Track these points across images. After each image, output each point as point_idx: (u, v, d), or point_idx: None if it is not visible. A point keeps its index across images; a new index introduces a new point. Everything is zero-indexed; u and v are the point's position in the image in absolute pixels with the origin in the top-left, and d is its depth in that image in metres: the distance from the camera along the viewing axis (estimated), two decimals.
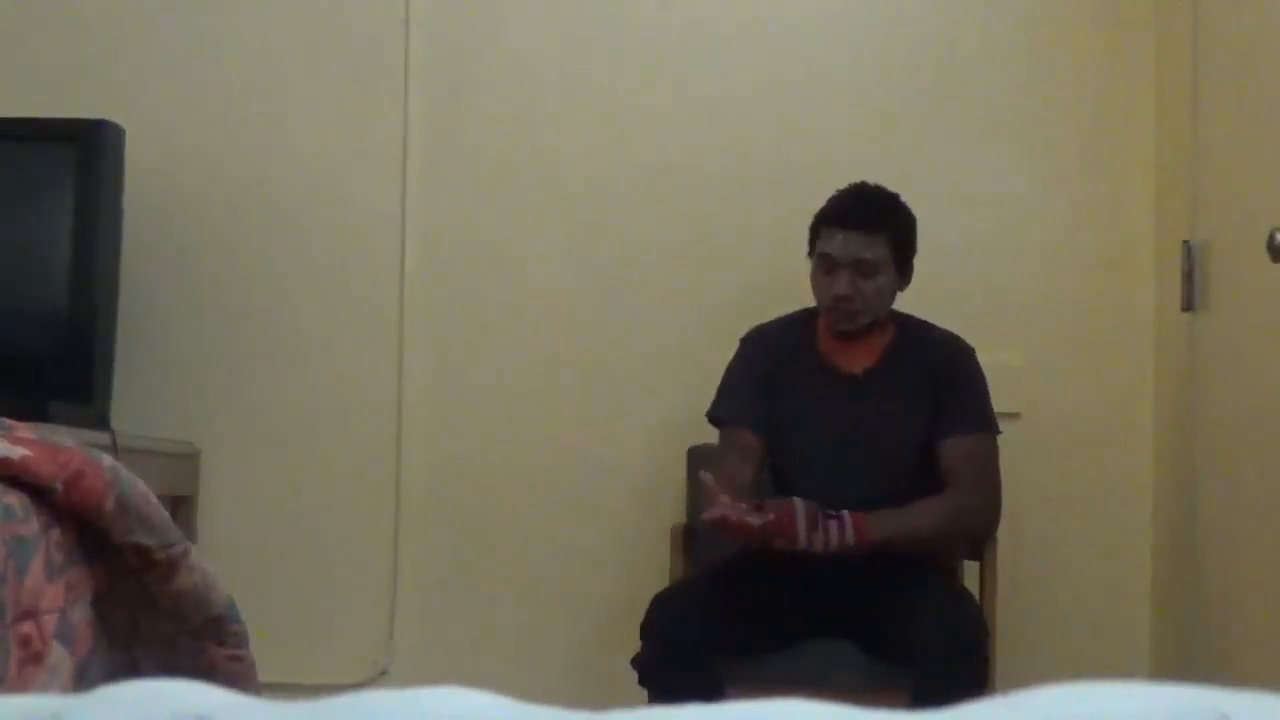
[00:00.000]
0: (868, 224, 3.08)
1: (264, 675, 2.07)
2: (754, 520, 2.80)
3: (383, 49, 3.76)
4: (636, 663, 2.87)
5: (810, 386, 3.12)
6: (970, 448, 3.06)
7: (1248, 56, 3.00)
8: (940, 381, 3.08)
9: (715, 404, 3.19)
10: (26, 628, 1.71)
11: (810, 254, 3.13)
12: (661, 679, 2.84)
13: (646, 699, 2.88)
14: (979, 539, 3.17)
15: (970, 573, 3.27)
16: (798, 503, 2.86)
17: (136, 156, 3.53)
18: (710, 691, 2.81)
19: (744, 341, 3.24)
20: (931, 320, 3.20)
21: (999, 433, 3.12)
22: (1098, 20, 3.65)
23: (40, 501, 1.78)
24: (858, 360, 3.13)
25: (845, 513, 2.88)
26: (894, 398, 3.08)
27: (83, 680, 1.80)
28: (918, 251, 3.16)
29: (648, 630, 2.87)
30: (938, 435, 3.05)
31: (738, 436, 3.12)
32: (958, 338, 3.16)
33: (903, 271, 3.13)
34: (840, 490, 2.99)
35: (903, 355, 3.12)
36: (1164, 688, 0.73)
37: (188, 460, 3.69)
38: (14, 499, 1.74)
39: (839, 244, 3.08)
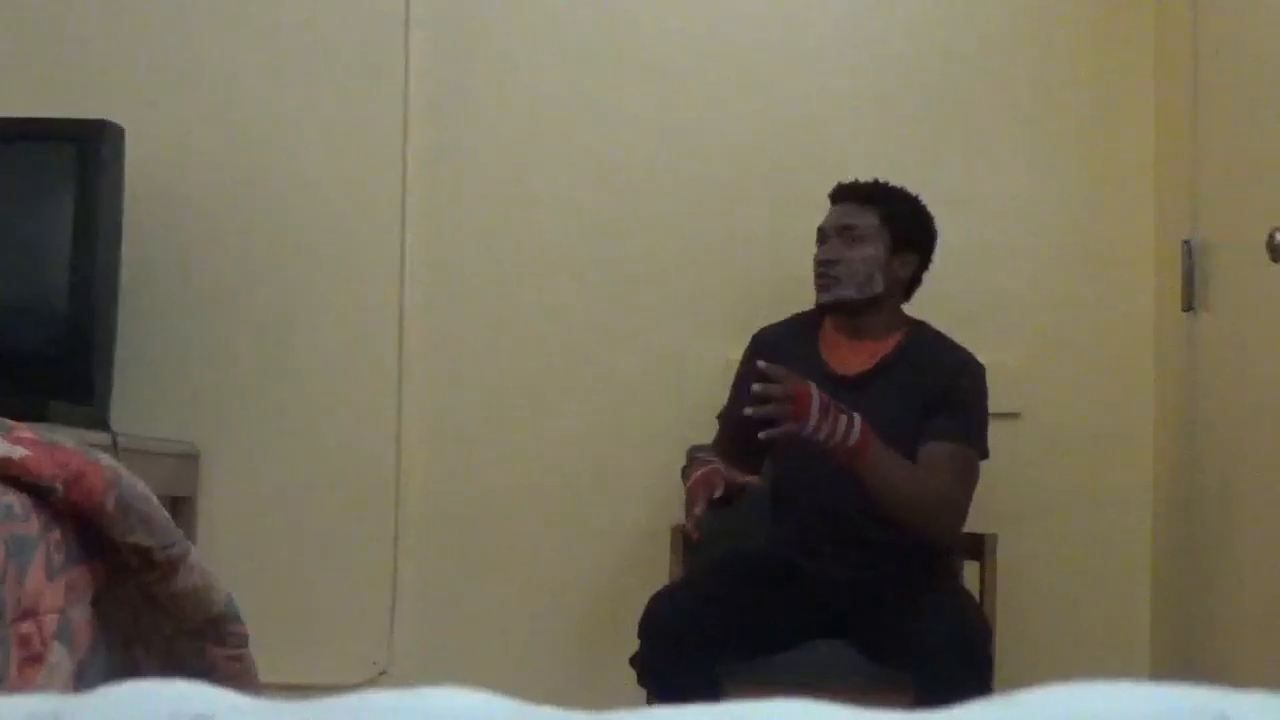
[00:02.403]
0: (861, 197, 3.14)
1: (264, 675, 2.07)
2: (775, 388, 2.71)
3: (383, 49, 3.76)
4: (635, 661, 2.87)
5: None
6: (950, 454, 2.97)
7: (1247, 57, 3.00)
8: (937, 393, 3.01)
9: None
10: (26, 628, 1.71)
11: None
12: (660, 677, 2.84)
13: (645, 698, 2.88)
14: (931, 533, 2.99)
15: (970, 573, 3.26)
16: (813, 387, 2.77)
17: (136, 156, 3.53)
18: (708, 690, 2.81)
19: (749, 342, 3.25)
20: (934, 320, 3.19)
21: (985, 456, 3.06)
22: (1098, 21, 3.65)
23: (40, 501, 1.78)
24: (855, 363, 3.11)
25: (857, 415, 2.81)
26: (884, 403, 3.01)
27: (83, 680, 1.80)
28: (923, 245, 3.16)
29: (646, 628, 2.86)
30: (923, 436, 2.98)
31: (720, 438, 3.13)
32: (969, 355, 3.10)
33: (898, 253, 3.11)
34: (830, 493, 2.97)
35: (902, 362, 3.08)
36: (1164, 688, 0.73)
37: (188, 460, 3.69)
38: (14, 499, 1.74)
39: (830, 216, 3.15)
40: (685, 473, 3.02)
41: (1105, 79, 3.65)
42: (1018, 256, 3.64)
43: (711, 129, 3.71)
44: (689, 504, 2.89)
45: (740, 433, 2.83)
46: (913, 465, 2.93)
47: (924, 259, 3.18)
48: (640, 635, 2.87)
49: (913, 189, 3.20)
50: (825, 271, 3.10)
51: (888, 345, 3.12)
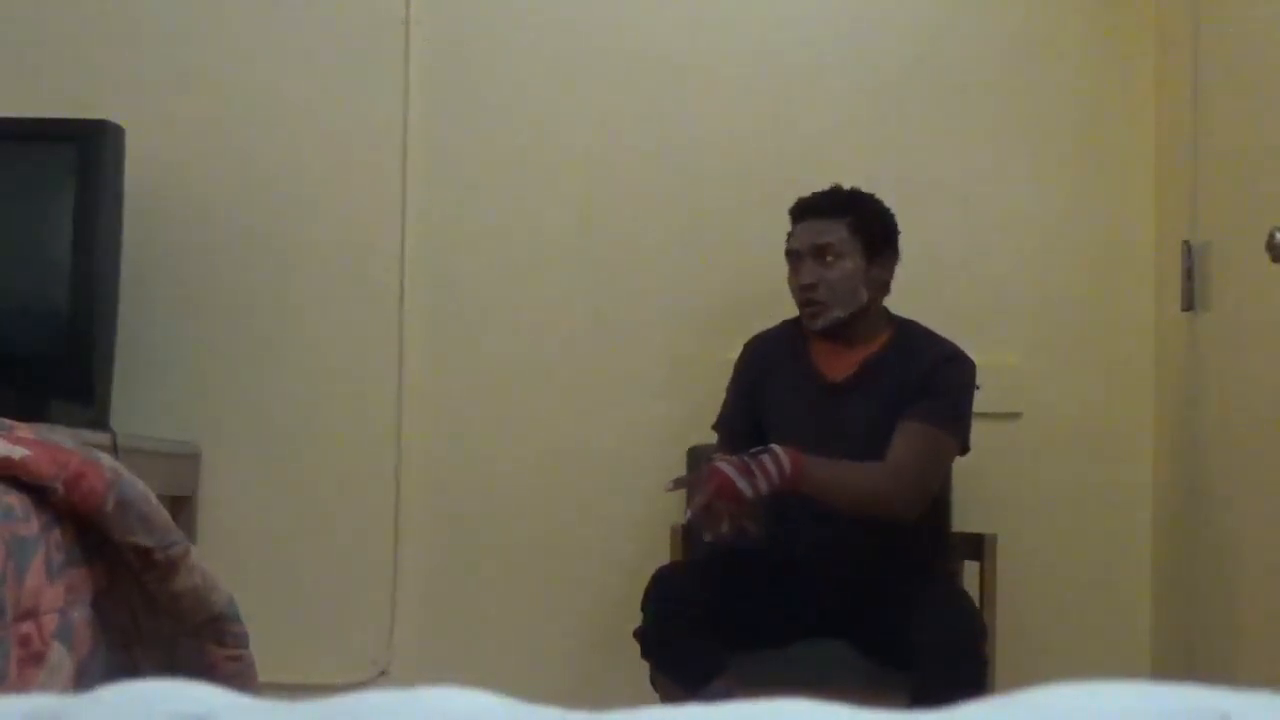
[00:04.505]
0: (823, 210, 3.08)
1: (264, 675, 2.07)
2: (698, 500, 2.73)
3: (383, 49, 3.76)
4: (639, 634, 2.86)
5: (796, 392, 3.11)
6: (922, 435, 2.94)
7: (1248, 56, 3.00)
8: (919, 382, 3.00)
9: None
10: (26, 628, 1.71)
11: None
12: (663, 649, 2.84)
13: (649, 671, 2.87)
14: (890, 514, 2.94)
15: (970, 573, 3.27)
16: (720, 464, 2.77)
17: (136, 156, 3.53)
18: (712, 661, 2.81)
19: (742, 350, 3.25)
20: (933, 320, 3.19)
21: (962, 447, 3.04)
22: (1098, 20, 3.66)
23: (40, 501, 1.78)
24: (845, 367, 3.10)
25: (773, 445, 2.82)
26: (871, 406, 3.02)
27: (83, 680, 1.80)
28: (895, 243, 3.13)
29: (649, 602, 2.86)
30: (901, 416, 2.96)
31: (721, 446, 3.13)
32: (957, 349, 3.08)
33: (875, 259, 3.08)
34: None
35: (886, 363, 3.07)
36: (1164, 688, 0.73)
37: (188, 460, 3.69)
38: (14, 499, 1.73)
39: (798, 236, 3.10)
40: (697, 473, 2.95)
41: (1105, 79, 3.65)
42: (1018, 256, 3.64)
43: (711, 129, 3.71)
44: (703, 494, 2.76)
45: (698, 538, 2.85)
46: (858, 470, 2.92)
47: (897, 255, 3.16)
48: (643, 608, 2.86)
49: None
50: (810, 298, 3.05)
51: (875, 346, 3.10)
